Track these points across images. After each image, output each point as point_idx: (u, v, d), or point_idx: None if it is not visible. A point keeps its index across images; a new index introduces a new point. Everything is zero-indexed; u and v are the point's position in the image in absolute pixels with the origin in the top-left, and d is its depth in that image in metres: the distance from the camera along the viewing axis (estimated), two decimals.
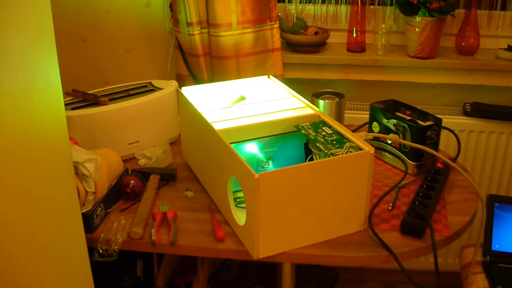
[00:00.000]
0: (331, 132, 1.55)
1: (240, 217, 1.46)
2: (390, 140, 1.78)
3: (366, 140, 1.51)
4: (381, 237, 1.44)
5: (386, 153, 1.84)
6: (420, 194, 1.58)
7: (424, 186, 1.62)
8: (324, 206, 1.40)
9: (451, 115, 2.37)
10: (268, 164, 1.64)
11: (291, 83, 2.20)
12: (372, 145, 1.43)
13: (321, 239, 1.45)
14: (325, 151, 1.45)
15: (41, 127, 1.06)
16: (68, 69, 2.48)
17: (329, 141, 1.50)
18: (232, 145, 1.53)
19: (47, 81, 1.08)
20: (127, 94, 1.93)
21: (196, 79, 2.31)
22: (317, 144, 1.49)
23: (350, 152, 1.43)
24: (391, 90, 2.45)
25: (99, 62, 2.49)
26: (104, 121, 1.82)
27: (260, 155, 1.63)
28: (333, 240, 1.46)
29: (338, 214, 1.44)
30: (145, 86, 2.00)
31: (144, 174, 1.73)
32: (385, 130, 1.82)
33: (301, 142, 1.65)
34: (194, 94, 1.80)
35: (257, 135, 1.61)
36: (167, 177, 1.76)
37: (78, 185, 1.49)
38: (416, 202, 1.53)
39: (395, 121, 1.77)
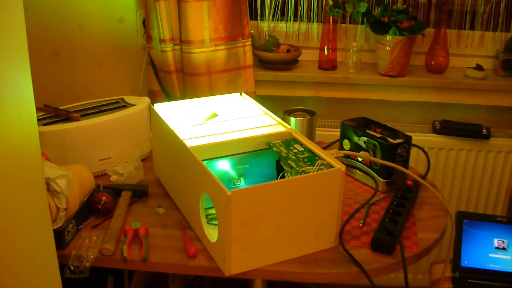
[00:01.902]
0: (303, 149, 1.56)
1: (212, 233, 1.46)
2: (360, 157, 1.80)
3: (337, 157, 1.52)
4: (352, 254, 1.45)
5: (357, 170, 1.85)
6: (390, 211, 1.60)
7: (394, 203, 1.64)
8: (296, 223, 1.41)
9: (421, 132, 2.40)
10: (240, 181, 1.64)
11: (263, 100, 2.20)
12: (343, 163, 1.45)
13: (292, 255, 1.46)
14: (297, 168, 1.46)
15: (13, 142, 1.06)
16: (40, 84, 2.44)
17: (301, 159, 1.51)
18: (204, 162, 1.53)
19: (19, 96, 1.07)
20: (99, 110, 1.92)
21: (168, 96, 2.31)
22: (289, 161, 1.50)
23: (321, 169, 1.44)
24: (362, 108, 2.47)
25: (71, 77, 2.47)
26: (76, 137, 1.80)
27: (232, 172, 1.63)
28: (305, 257, 1.46)
29: (309, 231, 1.44)
30: (117, 102, 1.99)
31: (115, 191, 1.72)
32: (356, 147, 1.83)
33: (273, 159, 1.66)
34: (167, 110, 1.80)
35: (229, 152, 1.61)
36: (139, 193, 1.76)
37: (50, 201, 1.47)
38: (386, 219, 1.55)
39: (365, 138, 1.79)
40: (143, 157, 1.98)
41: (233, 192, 1.29)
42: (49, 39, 2.41)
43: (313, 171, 1.44)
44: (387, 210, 1.61)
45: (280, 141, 1.62)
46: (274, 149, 1.58)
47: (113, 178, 1.83)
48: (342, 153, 1.65)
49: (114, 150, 1.90)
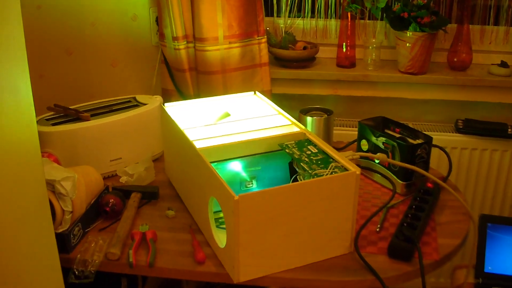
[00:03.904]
0: (316, 151, 1.51)
1: (221, 238, 1.41)
2: (377, 159, 1.73)
3: (352, 159, 1.46)
4: (368, 261, 1.39)
5: (375, 172, 1.79)
6: (409, 215, 1.53)
7: (413, 206, 1.57)
8: (308, 228, 1.36)
9: (443, 131, 2.35)
10: (252, 183, 1.59)
11: (279, 99, 2.17)
12: (359, 165, 1.39)
13: (304, 262, 1.40)
14: (310, 171, 1.41)
15: (11, 145, 1.04)
16: (53, 83, 2.45)
17: (314, 161, 1.45)
18: (215, 164, 1.50)
19: (17, 99, 1.05)
20: (110, 109, 1.89)
21: (182, 94, 2.28)
22: (302, 164, 1.45)
23: (335, 172, 1.38)
24: (381, 106, 2.43)
25: (85, 76, 2.46)
26: (86, 137, 1.78)
27: (244, 174, 1.58)
28: (317, 264, 1.41)
29: (322, 236, 1.39)
30: (129, 102, 1.96)
31: (125, 192, 1.69)
32: (374, 148, 1.77)
33: (285, 161, 1.61)
34: (178, 110, 1.76)
35: (240, 154, 1.57)
36: (149, 195, 1.72)
37: (55, 204, 1.45)
38: (405, 224, 1.48)
39: (384, 139, 1.73)
40: (155, 157, 1.95)
41: (241, 197, 1.24)
42: (62, 38, 2.39)
43: (327, 174, 1.38)
44: (405, 214, 1.54)
45: (293, 142, 1.57)
46: (287, 150, 1.52)
47: (123, 179, 1.79)
48: (357, 154, 1.59)
49: (125, 150, 1.87)
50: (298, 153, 1.50)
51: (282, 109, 1.76)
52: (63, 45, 2.41)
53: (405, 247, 1.41)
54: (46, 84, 2.45)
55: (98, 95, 2.43)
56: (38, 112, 1.77)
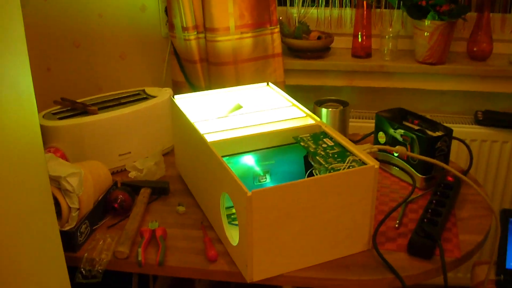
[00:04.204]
0: (333, 144, 1.45)
1: (233, 235, 1.36)
2: (396, 152, 1.67)
3: (370, 153, 1.40)
4: (387, 258, 1.34)
5: (393, 165, 1.73)
6: (429, 210, 1.47)
7: (434, 201, 1.51)
8: (324, 225, 1.30)
9: (462, 123, 2.30)
10: (265, 178, 1.54)
11: (293, 90, 2.13)
12: (377, 158, 1.33)
13: (321, 260, 1.35)
14: (326, 165, 1.35)
15: (12, 141, 1.00)
16: (61, 76, 2.43)
17: (330, 154, 1.39)
18: (227, 158, 1.45)
19: (18, 93, 1.01)
20: (119, 102, 1.85)
21: (193, 86, 2.24)
22: (317, 157, 1.39)
23: (353, 166, 1.33)
24: (398, 98, 2.38)
25: (93, 69, 2.44)
26: (93, 131, 1.74)
27: (257, 169, 1.53)
28: (334, 262, 1.36)
29: (339, 233, 1.33)
30: (138, 94, 1.92)
31: (134, 188, 1.64)
32: (392, 140, 1.71)
33: (300, 155, 1.56)
34: (189, 102, 1.71)
35: (253, 147, 1.52)
36: (159, 190, 1.68)
37: (61, 201, 1.41)
38: (425, 220, 1.43)
39: (402, 131, 1.67)
40: (165, 151, 1.91)
41: (254, 193, 1.18)
42: (69, 30, 2.37)
43: (344, 168, 1.32)
44: (425, 209, 1.48)
45: (308, 135, 1.51)
46: (302, 143, 1.47)
47: (132, 174, 1.76)
48: (375, 147, 1.53)
49: (134, 144, 1.83)
50: (314, 146, 1.45)
51: (296, 100, 1.71)
52: (70, 37, 2.39)
53: (426, 244, 1.36)
54: (53, 77, 2.42)
55: (108, 87, 2.43)
56: (45, 106, 1.73)
